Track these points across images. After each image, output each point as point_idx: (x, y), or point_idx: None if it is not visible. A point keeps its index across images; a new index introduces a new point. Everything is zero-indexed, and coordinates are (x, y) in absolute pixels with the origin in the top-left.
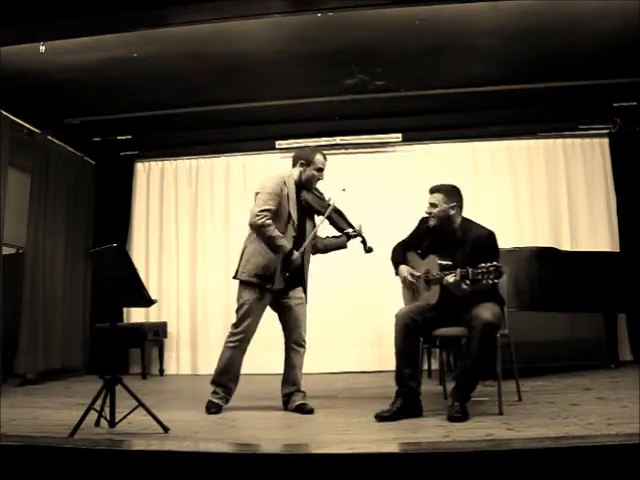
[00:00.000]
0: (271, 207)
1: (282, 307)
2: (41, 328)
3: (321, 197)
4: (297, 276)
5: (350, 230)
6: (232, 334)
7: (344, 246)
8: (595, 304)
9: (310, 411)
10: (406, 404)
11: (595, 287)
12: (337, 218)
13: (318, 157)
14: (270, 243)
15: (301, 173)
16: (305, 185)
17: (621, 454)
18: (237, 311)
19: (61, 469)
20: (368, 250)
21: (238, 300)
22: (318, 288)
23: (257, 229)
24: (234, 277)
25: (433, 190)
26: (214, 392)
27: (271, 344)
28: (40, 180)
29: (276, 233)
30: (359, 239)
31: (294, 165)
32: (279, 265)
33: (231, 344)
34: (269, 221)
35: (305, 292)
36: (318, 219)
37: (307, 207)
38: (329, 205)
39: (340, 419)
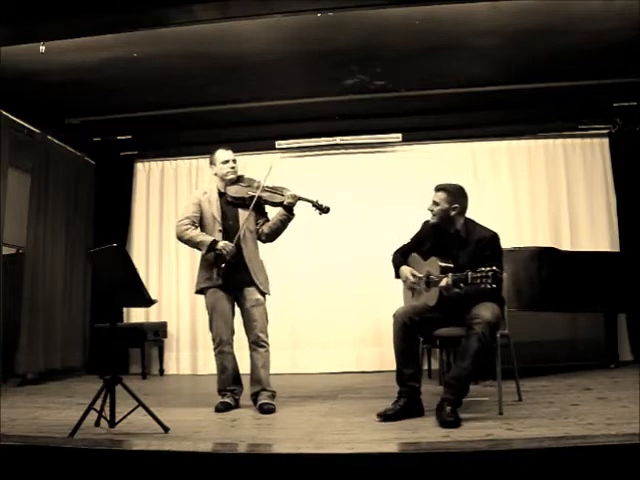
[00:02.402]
0: (188, 214)
1: (241, 309)
2: (41, 328)
3: (249, 185)
4: (243, 274)
5: (284, 199)
6: (212, 341)
7: (287, 217)
8: (595, 304)
9: (269, 410)
10: (408, 404)
11: (595, 287)
12: (269, 195)
13: (218, 152)
14: (192, 244)
15: (216, 174)
16: (225, 182)
17: (621, 454)
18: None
19: (61, 469)
20: (324, 210)
21: (205, 309)
22: (317, 288)
23: (180, 239)
24: (195, 292)
25: (438, 188)
26: (222, 397)
27: (272, 344)
28: (40, 180)
29: (194, 233)
30: (309, 205)
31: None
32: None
33: (215, 351)
34: (185, 226)
35: (262, 292)
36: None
37: (234, 201)
38: (257, 187)
39: (340, 419)
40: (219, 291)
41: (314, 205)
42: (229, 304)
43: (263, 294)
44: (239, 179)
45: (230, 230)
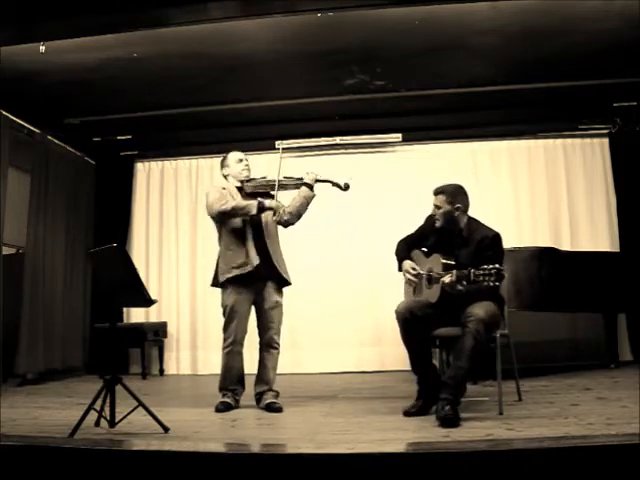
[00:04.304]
0: (218, 197)
1: (258, 309)
2: (41, 328)
3: (264, 178)
4: (266, 264)
5: (305, 180)
6: (223, 340)
7: (310, 194)
8: (595, 304)
9: (278, 409)
10: (429, 393)
11: (595, 287)
12: (290, 181)
13: (231, 154)
14: (239, 210)
15: (229, 175)
16: (239, 179)
17: (621, 454)
18: (223, 316)
19: (61, 469)
20: (344, 188)
21: (221, 305)
22: (317, 288)
23: (220, 214)
24: (212, 285)
25: (436, 192)
26: (222, 396)
27: None
28: (40, 180)
29: (234, 201)
30: (329, 185)
31: (223, 175)
32: (251, 242)
33: (225, 350)
34: (221, 200)
35: (282, 286)
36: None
37: (258, 191)
38: (274, 179)
39: (340, 419)
40: (240, 290)
41: (334, 184)
42: (248, 306)
43: (282, 290)
44: (253, 179)
45: (253, 221)
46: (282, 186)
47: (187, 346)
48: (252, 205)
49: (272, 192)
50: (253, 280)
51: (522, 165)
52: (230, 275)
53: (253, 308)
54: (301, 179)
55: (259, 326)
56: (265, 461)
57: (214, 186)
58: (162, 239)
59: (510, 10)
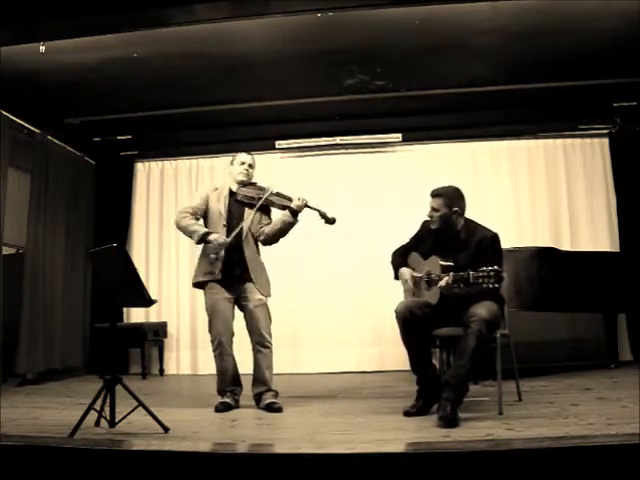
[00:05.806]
0: (192, 205)
1: (242, 309)
2: (41, 328)
3: (260, 189)
4: (242, 271)
5: (292, 204)
6: (211, 342)
7: (290, 220)
8: (595, 304)
9: (278, 409)
10: (429, 392)
11: (595, 287)
12: (278, 200)
13: (239, 155)
14: (186, 232)
15: (230, 172)
16: (236, 180)
17: (621, 454)
18: (208, 318)
19: (61, 469)
20: (330, 221)
21: (205, 309)
22: (318, 288)
23: (176, 226)
24: (193, 285)
25: (434, 194)
26: (222, 397)
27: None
28: (40, 180)
29: (189, 222)
30: (316, 214)
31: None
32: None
33: (214, 353)
34: (184, 214)
35: (262, 291)
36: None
37: (245, 201)
38: (267, 192)
39: (340, 419)
40: (219, 291)
41: (321, 215)
42: (229, 305)
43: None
44: (252, 184)
45: (234, 228)
46: (271, 202)
47: (187, 346)
48: (197, 234)
49: (254, 208)
50: (233, 282)
51: (522, 165)
52: (202, 279)
53: (241, 314)
54: (291, 200)
55: (247, 326)
56: (265, 461)
57: (201, 190)
58: (162, 239)
59: (510, 10)
